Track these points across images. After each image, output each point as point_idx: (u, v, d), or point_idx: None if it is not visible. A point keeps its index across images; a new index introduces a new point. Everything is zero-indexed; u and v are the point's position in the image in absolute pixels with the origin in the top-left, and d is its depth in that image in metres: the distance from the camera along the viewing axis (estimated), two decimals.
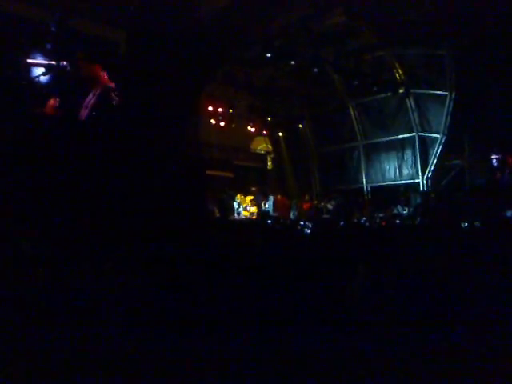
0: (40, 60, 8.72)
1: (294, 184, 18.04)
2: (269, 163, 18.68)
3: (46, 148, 8.68)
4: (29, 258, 4.73)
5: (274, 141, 18.43)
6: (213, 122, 15.37)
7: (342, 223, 13.19)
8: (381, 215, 14.14)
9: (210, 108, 15.11)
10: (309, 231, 10.58)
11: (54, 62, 8.78)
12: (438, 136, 15.33)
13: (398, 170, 16.75)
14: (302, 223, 11.34)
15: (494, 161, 13.98)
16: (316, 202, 16.32)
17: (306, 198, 16.39)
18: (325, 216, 15.67)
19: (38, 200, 8.00)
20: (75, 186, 8.76)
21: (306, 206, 15.98)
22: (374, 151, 17.27)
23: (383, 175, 17.11)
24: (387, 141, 16.75)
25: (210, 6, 10.38)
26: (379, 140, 16.98)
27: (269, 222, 11.75)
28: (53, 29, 8.70)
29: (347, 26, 13.38)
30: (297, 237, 8.45)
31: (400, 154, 16.65)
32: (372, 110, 16.92)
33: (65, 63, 8.96)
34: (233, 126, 16.06)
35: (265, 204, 15.18)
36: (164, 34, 10.29)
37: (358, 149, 17.62)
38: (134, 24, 9.82)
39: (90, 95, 9.81)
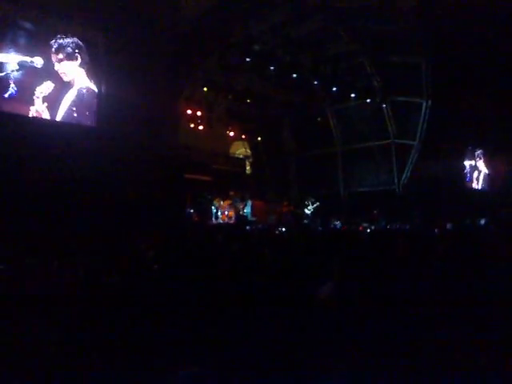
0: (13, 55, 8.58)
1: (273, 189, 18.09)
2: (247, 168, 18.69)
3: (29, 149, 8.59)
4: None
5: (253, 145, 18.47)
6: (192, 125, 15.32)
7: (319, 228, 13.28)
8: (357, 220, 14.29)
9: (189, 111, 15.05)
10: (286, 235, 10.62)
11: (27, 59, 8.65)
12: (414, 143, 15.60)
13: (376, 177, 16.96)
14: (279, 228, 11.38)
15: (468, 167, 14.29)
16: (293, 207, 16.39)
17: (285, 202, 16.46)
18: (303, 221, 15.76)
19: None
20: (57, 185, 8.68)
21: (284, 210, 16.03)
22: (352, 157, 17.45)
23: (361, 181, 17.30)
24: (365, 147, 16.94)
25: (193, 8, 10.39)
26: (357, 146, 17.17)
27: (247, 226, 11.73)
28: (27, 26, 8.58)
29: (326, 33, 13.55)
30: (274, 240, 8.48)
31: (377, 161, 16.86)
32: (350, 117, 17.09)
33: (39, 59, 8.85)
34: (211, 129, 16.04)
35: (243, 208, 15.17)
36: (146, 34, 10.27)
37: (336, 154, 17.80)
38: (114, 23, 9.79)
39: (70, 91, 9.72)
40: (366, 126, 16.64)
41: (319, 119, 17.47)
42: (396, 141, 16.12)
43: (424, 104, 14.95)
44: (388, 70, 15.13)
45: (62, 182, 8.80)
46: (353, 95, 15.68)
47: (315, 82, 15.63)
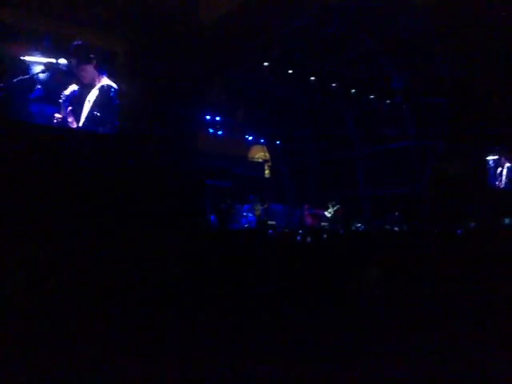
0: (38, 57, 8.76)
1: (292, 192, 18.09)
2: (266, 171, 18.73)
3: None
4: None
5: (272, 149, 18.51)
6: (211, 130, 15.47)
7: (341, 231, 13.21)
8: (378, 222, 14.19)
9: (208, 117, 15.21)
10: (309, 239, 10.59)
11: (52, 60, 8.82)
12: (434, 144, 15.41)
13: (396, 179, 16.77)
14: (300, 231, 11.33)
15: (491, 162, 13.87)
16: (314, 210, 16.36)
17: (306, 206, 16.44)
18: (323, 224, 15.71)
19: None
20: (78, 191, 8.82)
21: (305, 213, 16.03)
22: (372, 160, 17.31)
23: (381, 184, 17.14)
24: (385, 149, 16.80)
25: (211, 12, 10.51)
26: (377, 148, 17.04)
27: (270, 231, 11.71)
28: (51, 32, 8.87)
29: (345, 35, 13.52)
30: (298, 245, 8.47)
31: (398, 163, 16.68)
32: (370, 119, 16.98)
33: (63, 60, 9.01)
34: (230, 134, 16.18)
35: (263, 212, 15.20)
36: (165, 40, 10.40)
37: (356, 157, 17.71)
38: (134, 32, 9.95)
39: (92, 92, 9.94)
40: (386, 127, 16.50)
41: (339, 122, 17.41)
42: (416, 142, 15.94)
43: (445, 104, 14.74)
44: (408, 70, 14.97)
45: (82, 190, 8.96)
46: (372, 97, 15.60)
47: (335, 85, 15.58)
